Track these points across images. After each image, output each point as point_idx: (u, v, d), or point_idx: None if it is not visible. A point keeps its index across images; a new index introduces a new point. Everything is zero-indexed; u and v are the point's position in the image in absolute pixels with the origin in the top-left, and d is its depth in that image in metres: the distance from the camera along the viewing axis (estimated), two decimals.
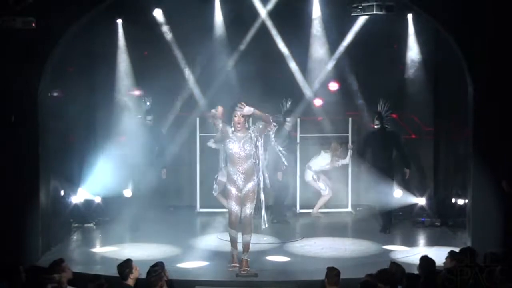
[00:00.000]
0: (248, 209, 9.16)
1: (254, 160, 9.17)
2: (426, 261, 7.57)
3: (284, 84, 12.98)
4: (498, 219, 9.60)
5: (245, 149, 9.09)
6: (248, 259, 9.20)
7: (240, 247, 9.30)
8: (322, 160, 12.62)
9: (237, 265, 9.23)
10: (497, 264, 7.29)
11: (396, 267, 7.43)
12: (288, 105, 12.19)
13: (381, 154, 11.55)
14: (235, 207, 9.19)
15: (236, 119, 9.01)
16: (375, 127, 11.61)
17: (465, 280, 6.87)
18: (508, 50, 9.50)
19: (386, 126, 11.62)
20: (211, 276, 9.18)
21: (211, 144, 12.16)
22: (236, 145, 9.07)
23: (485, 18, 9.52)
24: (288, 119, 12.13)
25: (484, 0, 9.35)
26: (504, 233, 9.46)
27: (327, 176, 12.78)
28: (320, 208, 12.78)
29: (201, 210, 12.75)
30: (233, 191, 9.18)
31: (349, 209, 12.84)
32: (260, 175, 9.28)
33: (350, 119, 12.59)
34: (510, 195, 9.35)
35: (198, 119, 12.56)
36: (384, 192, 11.62)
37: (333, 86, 13.08)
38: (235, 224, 9.28)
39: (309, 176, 12.69)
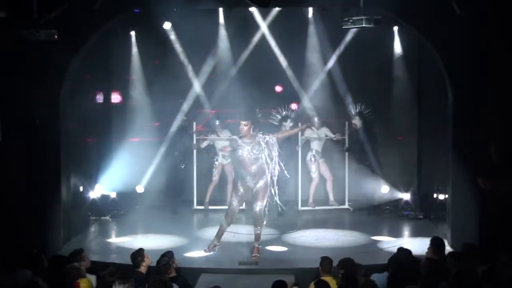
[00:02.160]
0: (258, 206, 9.35)
1: (262, 161, 9.30)
2: (402, 251, 7.58)
3: (283, 90, 13.04)
4: (475, 212, 9.58)
5: (254, 153, 9.29)
6: (259, 246, 9.44)
7: (220, 239, 9.66)
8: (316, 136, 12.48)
9: (210, 252, 9.49)
10: (473, 253, 7.39)
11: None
12: (285, 111, 12.15)
13: (363, 151, 12.06)
14: (234, 203, 9.44)
15: (240, 127, 9.30)
16: (357, 126, 12.12)
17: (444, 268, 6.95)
18: (484, 59, 9.53)
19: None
20: (215, 264, 9.22)
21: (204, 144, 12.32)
22: (246, 151, 9.28)
23: (464, 31, 9.56)
24: (285, 123, 12.00)
25: (463, 16, 9.39)
26: (480, 225, 9.50)
27: (325, 164, 12.55)
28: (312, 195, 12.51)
29: (198, 207, 12.35)
30: (241, 190, 9.42)
31: (346, 205, 12.47)
32: (269, 176, 9.37)
33: (346, 122, 12.32)
34: (486, 191, 9.37)
35: (194, 123, 12.24)
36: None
37: (326, 92, 13.07)
38: (230, 217, 9.51)
39: (308, 155, 12.49)
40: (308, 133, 12.42)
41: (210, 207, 12.20)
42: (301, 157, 12.42)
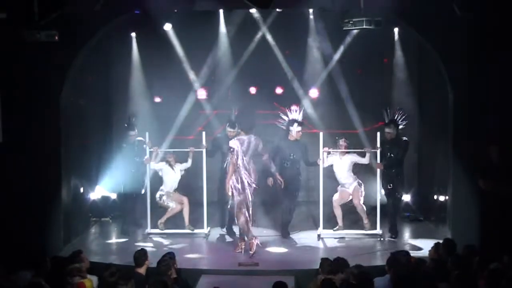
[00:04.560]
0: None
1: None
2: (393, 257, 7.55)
3: (285, 92, 13.02)
4: (475, 214, 9.60)
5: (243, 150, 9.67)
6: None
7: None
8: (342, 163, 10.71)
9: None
10: (474, 255, 7.39)
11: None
12: (293, 114, 10.60)
13: (396, 162, 10.58)
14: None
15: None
16: (392, 135, 10.57)
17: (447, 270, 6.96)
18: (484, 60, 9.55)
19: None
20: (215, 266, 9.25)
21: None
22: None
23: (464, 32, 9.60)
24: (291, 127, 10.57)
25: (463, 18, 9.41)
26: (480, 227, 9.51)
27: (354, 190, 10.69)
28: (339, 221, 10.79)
29: (152, 231, 10.80)
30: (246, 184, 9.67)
31: (378, 230, 10.62)
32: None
33: (378, 133, 10.55)
34: (486, 193, 9.38)
35: (147, 134, 10.89)
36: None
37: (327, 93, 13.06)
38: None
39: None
40: (331, 160, 10.72)
41: (167, 231, 10.82)
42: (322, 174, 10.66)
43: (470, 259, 7.27)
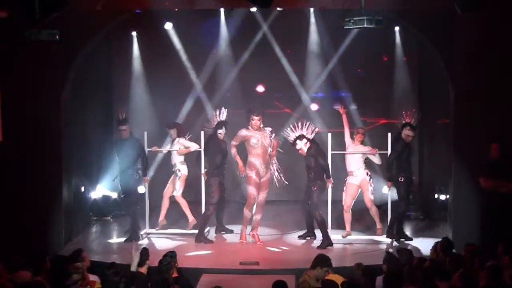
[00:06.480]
0: (265, 194, 10.07)
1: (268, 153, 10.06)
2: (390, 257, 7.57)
3: (287, 94, 13.01)
4: (476, 213, 9.57)
5: (266, 143, 9.98)
6: (258, 234, 10.27)
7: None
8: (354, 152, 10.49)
9: (245, 241, 10.11)
10: (474, 253, 7.39)
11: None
12: (301, 128, 10.21)
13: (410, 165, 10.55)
14: (255, 191, 9.99)
15: (254, 122, 9.91)
16: (410, 139, 10.40)
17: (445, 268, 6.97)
18: (484, 61, 9.56)
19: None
20: (217, 265, 9.25)
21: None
22: (260, 139, 9.94)
23: (465, 32, 9.60)
24: (299, 141, 10.20)
25: (464, 17, 9.39)
26: (481, 226, 9.51)
27: (365, 184, 10.45)
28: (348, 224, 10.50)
29: (150, 230, 10.91)
30: (256, 179, 9.97)
31: (384, 237, 10.45)
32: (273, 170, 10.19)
33: (389, 134, 10.43)
34: (487, 192, 9.38)
35: (146, 133, 10.88)
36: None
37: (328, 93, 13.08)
38: (252, 206, 10.10)
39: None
40: (347, 141, 10.53)
41: (165, 231, 10.84)
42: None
43: (470, 258, 7.26)
